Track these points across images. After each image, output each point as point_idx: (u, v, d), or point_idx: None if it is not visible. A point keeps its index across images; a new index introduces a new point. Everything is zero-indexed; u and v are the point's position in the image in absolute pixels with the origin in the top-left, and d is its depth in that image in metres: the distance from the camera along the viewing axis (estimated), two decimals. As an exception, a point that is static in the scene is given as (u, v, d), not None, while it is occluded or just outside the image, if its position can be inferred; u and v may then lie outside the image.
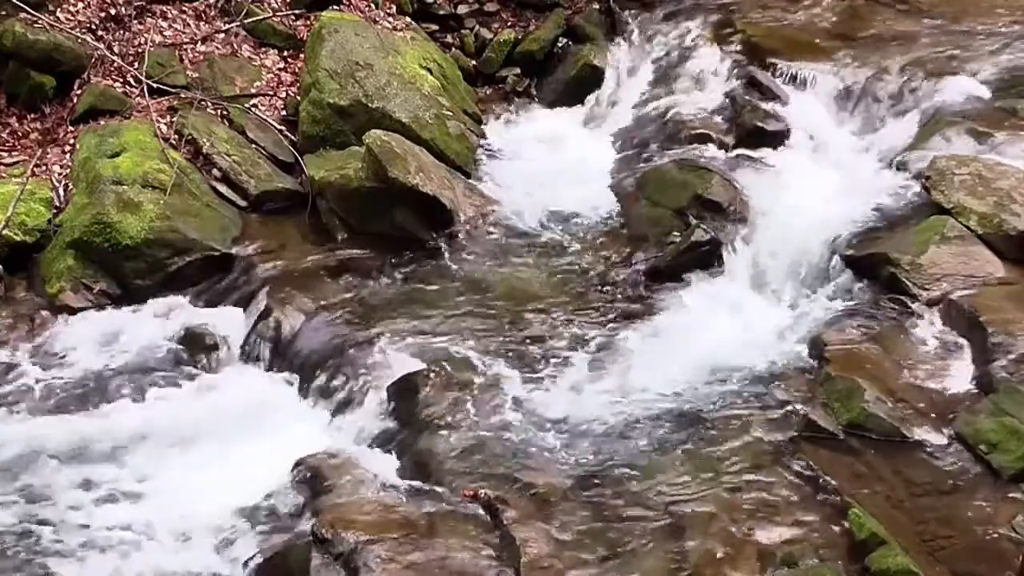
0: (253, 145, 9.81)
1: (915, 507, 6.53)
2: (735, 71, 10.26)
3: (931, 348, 7.65)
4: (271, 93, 10.34)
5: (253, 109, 10.08)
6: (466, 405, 7.54)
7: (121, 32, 10.22)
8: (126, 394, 8.02)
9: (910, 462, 6.84)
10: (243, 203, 9.42)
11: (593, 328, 8.31)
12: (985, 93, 9.55)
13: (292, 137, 9.91)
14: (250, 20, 10.65)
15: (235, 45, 10.60)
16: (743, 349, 7.95)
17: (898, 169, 9.10)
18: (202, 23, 10.67)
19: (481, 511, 6.72)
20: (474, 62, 11.36)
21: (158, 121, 9.63)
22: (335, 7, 10.88)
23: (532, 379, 7.81)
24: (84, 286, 8.76)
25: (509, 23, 11.58)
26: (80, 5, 10.22)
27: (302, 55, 10.46)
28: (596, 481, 6.91)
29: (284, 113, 10.21)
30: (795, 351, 7.87)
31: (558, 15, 11.49)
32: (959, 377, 7.41)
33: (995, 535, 6.32)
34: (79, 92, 9.86)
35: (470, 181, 9.92)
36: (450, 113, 10.16)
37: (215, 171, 9.49)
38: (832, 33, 10.70)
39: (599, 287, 8.82)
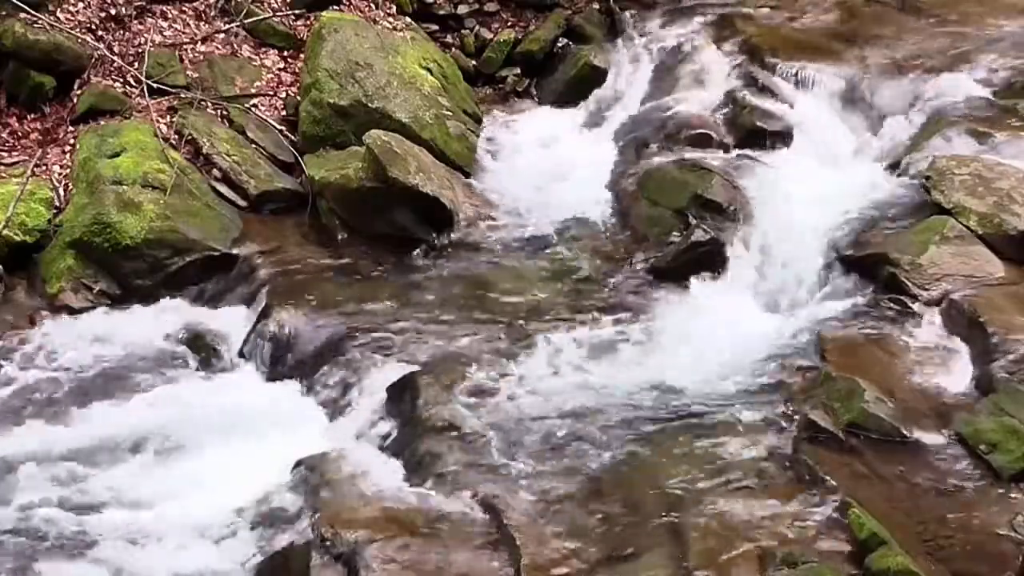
0: (253, 145, 9.80)
1: (915, 507, 6.52)
2: (735, 71, 10.27)
3: (931, 348, 7.64)
4: (271, 93, 10.34)
5: (253, 109, 10.08)
6: (466, 405, 7.54)
7: (121, 32, 10.22)
8: (126, 394, 8.01)
9: (910, 462, 6.83)
10: (243, 203, 9.42)
11: (593, 328, 8.31)
12: (985, 93, 9.55)
13: (292, 137, 9.91)
14: (250, 20, 10.64)
15: (235, 45, 10.60)
16: (743, 349, 7.95)
17: (898, 169, 9.10)
18: (202, 23, 10.67)
19: (481, 511, 6.72)
20: (474, 62, 11.36)
21: (158, 121, 9.62)
22: (335, 7, 10.87)
23: (532, 379, 7.80)
24: (84, 286, 8.76)
25: (509, 23, 11.58)
26: (80, 5, 10.21)
27: (302, 55, 10.46)
28: (596, 481, 6.91)
29: (284, 113, 10.21)
30: (795, 351, 7.87)
31: (558, 15, 11.49)
32: (959, 377, 7.41)
33: (995, 535, 6.32)
34: (79, 92, 9.86)
35: (470, 181, 9.92)
36: (450, 113, 10.16)
37: (215, 171, 9.49)
38: (832, 33, 10.71)
39: (599, 287, 8.82)
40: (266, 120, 10.02)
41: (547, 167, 10.14)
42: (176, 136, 9.60)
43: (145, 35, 10.27)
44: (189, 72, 10.22)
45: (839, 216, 8.74)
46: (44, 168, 9.43)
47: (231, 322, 8.62)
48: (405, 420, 7.54)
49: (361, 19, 10.64)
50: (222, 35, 10.59)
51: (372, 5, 11.03)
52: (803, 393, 7.40)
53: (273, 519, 6.94)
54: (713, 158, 9.48)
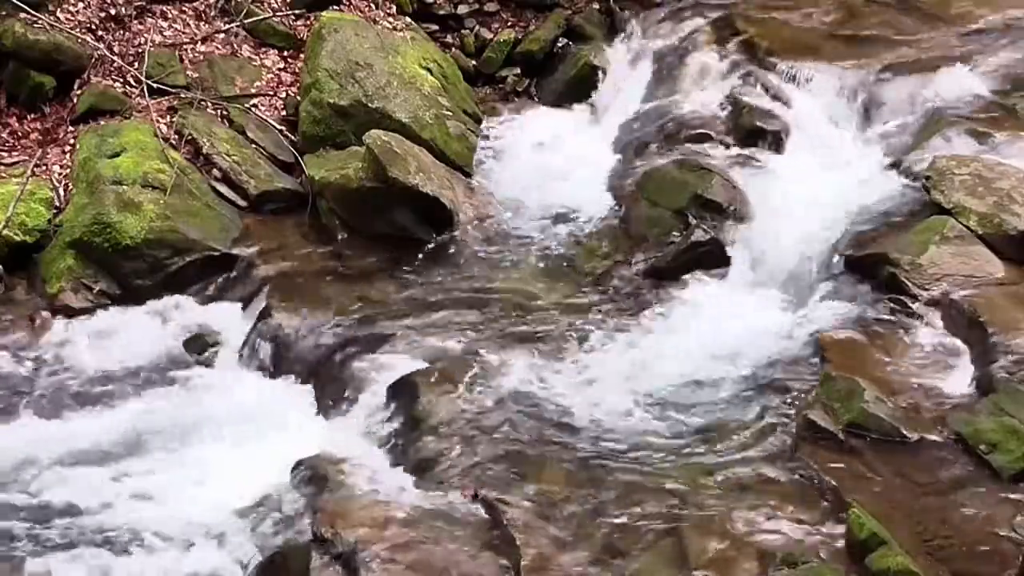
0: (253, 145, 9.81)
1: (915, 507, 6.52)
2: (735, 71, 10.26)
3: (931, 348, 7.64)
4: (271, 93, 10.35)
5: (253, 109, 10.08)
6: (466, 405, 7.54)
7: (121, 32, 10.22)
8: (126, 394, 8.03)
9: (910, 462, 6.83)
10: (243, 203, 9.42)
11: (593, 328, 8.31)
12: (985, 92, 9.55)
13: (292, 137, 9.91)
14: (250, 20, 10.64)
15: (235, 45, 10.60)
16: (743, 349, 7.95)
17: (898, 169, 9.10)
18: (202, 23, 10.67)
19: (481, 511, 6.72)
20: (474, 62, 11.37)
21: (158, 121, 9.63)
22: (335, 7, 10.88)
23: (532, 379, 7.80)
24: (84, 286, 8.76)
25: (509, 23, 11.59)
26: (80, 5, 10.21)
27: (302, 55, 10.46)
28: (596, 481, 6.90)
29: (284, 113, 10.21)
30: (795, 351, 7.86)
31: (558, 15, 11.50)
32: (959, 377, 7.41)
33: (995, 535, 6.31)
34: (79, 92, 9.86)
35: (470, 181, 9.93)
36: (450, 113, 10.16)
37: (215, 171, 9.49)
38: (832, 33, 10.70)
39: (599, 287, 8.82)
40: (266, 120, 10.02)
41: (547, 167, 10.14)
42: (176, 136, 9.60)
43: (145, 35, 10.27)
44: (189, 72, 10.23)
45: (839, 216, 8.74)
46: (44, 168, 9.43)
47: (231, 322, 8.62)
48: (405, 420, 7.54)
49: (361, 19, 10.64)
50: (222, 35, 10.59)
51: (372, 5, 11.04)
52: (803, 393, 7.40)
53: (273, 519, 6.94)
54: (713, 158, 9.48)
